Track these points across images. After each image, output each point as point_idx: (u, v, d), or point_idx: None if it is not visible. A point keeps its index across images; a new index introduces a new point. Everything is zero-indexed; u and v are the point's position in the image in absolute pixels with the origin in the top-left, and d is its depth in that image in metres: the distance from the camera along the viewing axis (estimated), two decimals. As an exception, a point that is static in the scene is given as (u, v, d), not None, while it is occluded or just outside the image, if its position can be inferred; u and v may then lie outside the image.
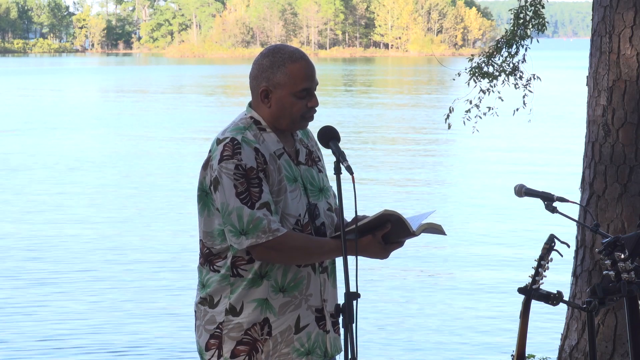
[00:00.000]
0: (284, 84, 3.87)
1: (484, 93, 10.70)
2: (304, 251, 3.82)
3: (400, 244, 3.86)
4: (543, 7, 10.23)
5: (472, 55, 10.91)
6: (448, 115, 11.04)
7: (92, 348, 10.53)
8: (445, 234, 3.88)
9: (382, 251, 3.82)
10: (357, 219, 3.84)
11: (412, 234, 3.78)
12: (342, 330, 3.83)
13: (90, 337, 10.88)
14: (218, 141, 3.84)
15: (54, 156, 28.36)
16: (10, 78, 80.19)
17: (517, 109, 11.00)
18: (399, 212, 3.76)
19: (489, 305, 12.22)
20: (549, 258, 4.61)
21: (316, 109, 3.94)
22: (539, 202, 4.68)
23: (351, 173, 3.79)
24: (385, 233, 3.79)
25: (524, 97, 10.66)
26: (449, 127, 11.24)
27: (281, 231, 3.76)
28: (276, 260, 3.82)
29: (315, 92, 3.92)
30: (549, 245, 4.60)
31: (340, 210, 3.71)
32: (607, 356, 6.75)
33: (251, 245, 3.77)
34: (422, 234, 3.81)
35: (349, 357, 3.68)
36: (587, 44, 7.22)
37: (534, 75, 10.63)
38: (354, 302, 3.70)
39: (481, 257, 15.07)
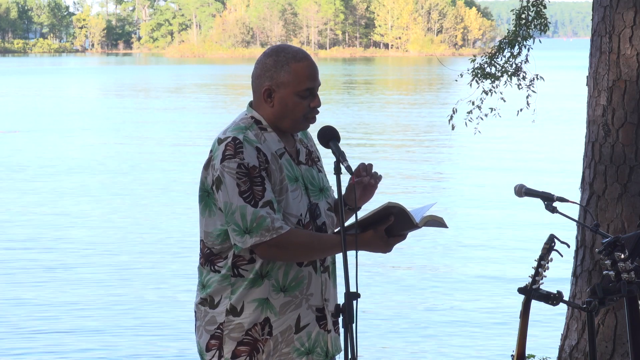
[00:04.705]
0: (287, 83, 3.86)
1: (486, 94, 10.68)
2: (308, 247, 3.82)
3: (402, 236, 3.84)
4: (545, 8, 10.21)
5: (474, 56, 10.90)
6: (451, 116, 11.02)
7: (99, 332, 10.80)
8: (447, 227, 3.87)
9: (384, 245, 3.80)
10: (357, 217, 3.83)
11: (415, 226, 3.77)
12: (341, 330, 3.82)
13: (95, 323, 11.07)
14: (219, 141, 3.84)
15: (54, 156, 28.35)
16: (10, 78, 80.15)
17: (521, 110, 10.97)
18: (401, 204, 3.75)
19: (488, 305, 12.22)
20: (549, 258, 4.61)
21: (318, 109, 3.94)
22: (539, 202, 4.68)
23: (351, 173, 3.79)
24: (388, 226, 3.78)
25: (527, 97, 10.63)
26: (453, 127, 11.21)
27: (284, 229, 3.76)
28: (280, 257, 3.82)
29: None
30: (549, 245, 4.60)
31: (340, 209, 3.71)
32: (607, 356, 6.75)
33: (255, 244, 3.77)
34: (424, 226, 3.80)
35: (349, 357, 3.68)
36: (587, 44, 7.22)
37: (537, 75, 10.61)
38: (354, 302, 3.69)
39: (481, 256, 15.08)
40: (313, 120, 3.93)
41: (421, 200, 19.81)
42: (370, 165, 4.00)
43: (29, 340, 10.63)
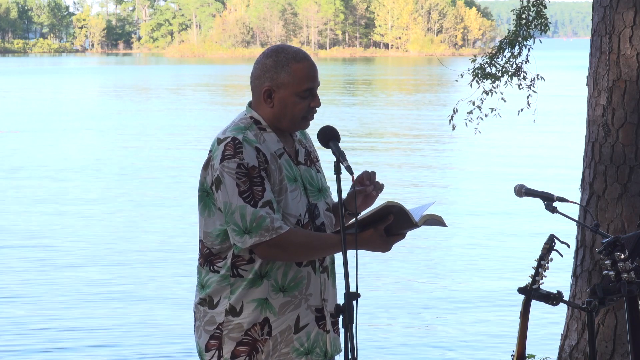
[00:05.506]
0: (287, 83, 3.86)
1: (487, 94, 10.68)
2: (308, 247, 3.82)
3: (402, 235, 3.84)
4: (545, 8, 10.21)
5: (475, 56, 10.90)
6: (452, 117, 11.01)
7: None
8: (446, 225, 3.87)
9: (384, 244, 3.81)
10: (357, 218, 3.83)
11: (414, 225, 3.77)
12: (341, 331, 3.82)
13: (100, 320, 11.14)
14: (219, 141, 3.83)
15: (54, 156, 28.35)
16: (10, 78, 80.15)
17: (522, 110, 10.97)
18: (400, 203, 3.74)
19: (488, 304, 12.21)
20: (549, 258, 4.61)
21: (317, 109, 3.94)
22: (539, 202, 4.67)
23: (351, 173, 3.78)
24: (388, 225, 3.78)
25: (528, 97, 10.63)
26: (453, 128, 11.20)
27: (284, 229, 3.76)
28: (280, 257, 3.82)
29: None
30: (549, 245, 4.60)
31: (340, 209, 3.71)
32: (607, 356, 6.75)
33: (255, 244, 3.77)
34: (423, 225, 3.80)
35: (349, 357, 3.67)
36: (587, 44, 7.22)
37: (537, 75, 10.61)
38: (354, 302, 3.69)
39: (480, 256, 15.07)
40: (311, 119, 3.94)
41: (421, 201, 19.80)
42: (374, 174, 4.01)
43: (31, 339, 10.65)
